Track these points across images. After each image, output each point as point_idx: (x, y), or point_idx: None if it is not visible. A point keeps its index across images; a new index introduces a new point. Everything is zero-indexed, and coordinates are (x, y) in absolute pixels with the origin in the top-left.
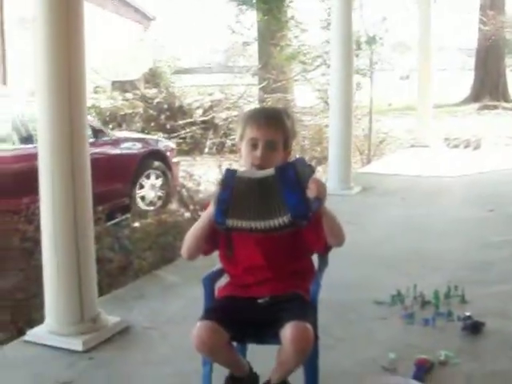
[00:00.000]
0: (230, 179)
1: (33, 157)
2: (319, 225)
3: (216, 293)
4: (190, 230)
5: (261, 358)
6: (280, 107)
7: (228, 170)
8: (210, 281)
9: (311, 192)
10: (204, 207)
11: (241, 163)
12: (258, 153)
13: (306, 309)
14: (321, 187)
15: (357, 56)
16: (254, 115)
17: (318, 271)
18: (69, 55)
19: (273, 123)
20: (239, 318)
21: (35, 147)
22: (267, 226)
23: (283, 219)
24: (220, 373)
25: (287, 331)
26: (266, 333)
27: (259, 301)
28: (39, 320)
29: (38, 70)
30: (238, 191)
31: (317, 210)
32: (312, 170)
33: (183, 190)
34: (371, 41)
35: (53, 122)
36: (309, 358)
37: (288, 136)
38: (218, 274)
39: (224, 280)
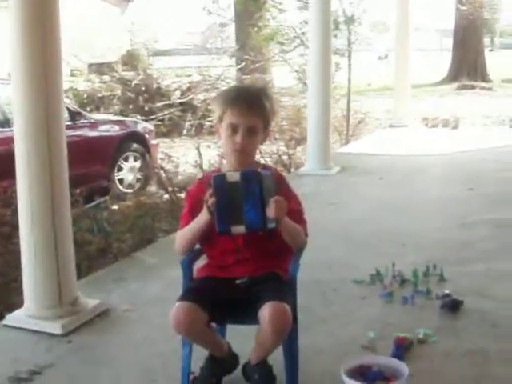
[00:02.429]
0: (221, 186)
1: (10, 140)
2: None
3: (194, 274)
4: (184, 232)
5: (240, 338)
6: (259, 86)
7: (217, 177)
8: (188, 262)
9: (270, 212)
10: (185, 195)
11: (219, 144)
12: (239, 138)
13: (284, 289)
14: (281, 209)
15: (335, 36)
16: (234, 99)
17: (297, 252)
18: (44, 37)
19: (254, 109)
20: (218, 299)
21: (11, 130)
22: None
23: (239, 228)
24: (200, 353)
25: (265, 312)
26: (245, 313)
27: (237, 281)
28: (18, 304)
29: (14, 52)
30: (230, 197)
31: (273, 229)
32: (276, 188)
33: (162, 173)
34: (349, 21)
35: (29, 105)
36: (288, 339)
37: (268, 118)
38: (196, 255)
39: (202, 261)
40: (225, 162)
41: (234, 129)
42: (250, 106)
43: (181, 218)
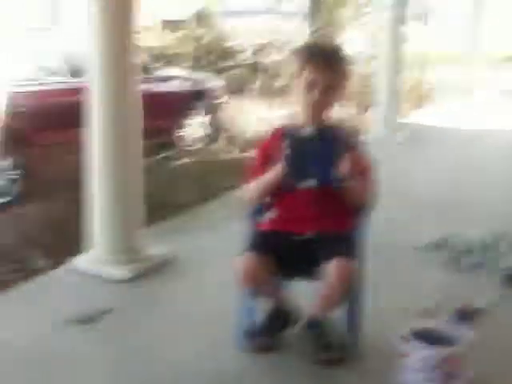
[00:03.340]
0: (294, 140)
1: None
2: None
3: (260, 227)
4: (257, 183)
5: (302, 294)
6: (336, 46)
7: (292, 130)
8: (253, 214)
9: (343, 168)
10: (255, 147)
11: (293, 99)
12: (316, 94)
13: (351, 247)
14: (351, 168)
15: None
16: (314, 55)
17: (365, 210)
18: None
19: (333, 67)
20: (284, 253)
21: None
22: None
23: (310, 182)
24: (262, 306)
25: (332, 267)
26: (310, 268)
27: (304, 236)
28: (85, 250)
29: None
30: (303, 151)
31: (343, 185)
32: (349, 146)
33: (231, 129)
34: None
35: (105, 54)
36: (351, 297)
37: (345, 78)
38: (261, 209)
39: (269, 215)
40: (298, 117)
41: (312, 85)
42: (330, 63)
43: (251, 170)
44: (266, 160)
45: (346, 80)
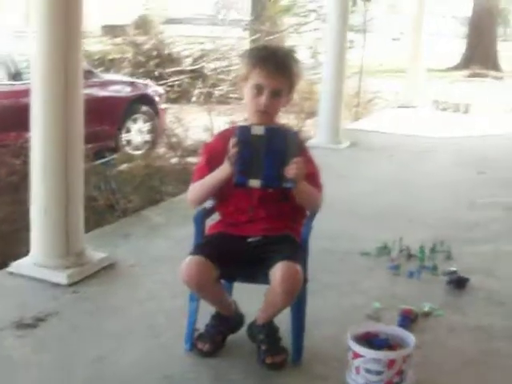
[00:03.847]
0: (245, 137)
1: (21, 93)
2: None
3: (206, 230)
4: (201, 183)
5: (246, 298)
6: (287, 49)
7: (242, 128)
8: (201, 217)
9: (290, 171)
10: (200, 152)
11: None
12: (263, 100)
13: (296, 250)
14: (300, 170)
15: (352, 12)
16: (262, 59)
17: (310, 215)
18: None
19: (281, 71)
20: (229, 256)
21: (24, 84)
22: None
23: (256, 182)
24: (205, 311)
25: (277, 271)
26: (256, 272)
27: (250, 239)
28: (23, 254)
29: (37, 7)
30: (253, 149)
31: (288, 188)
32: (299, 149)
33: (171, 136)
34: None
35: (48, 57)
36: (297, 301)
37: (294, 81)
38: (209, 212)
39: (214, 219)
40: (246, 121)
41: (259, 89)
42: (278, 68)
43: (196, 170)
44: (210, 161)
45: (294, 84)
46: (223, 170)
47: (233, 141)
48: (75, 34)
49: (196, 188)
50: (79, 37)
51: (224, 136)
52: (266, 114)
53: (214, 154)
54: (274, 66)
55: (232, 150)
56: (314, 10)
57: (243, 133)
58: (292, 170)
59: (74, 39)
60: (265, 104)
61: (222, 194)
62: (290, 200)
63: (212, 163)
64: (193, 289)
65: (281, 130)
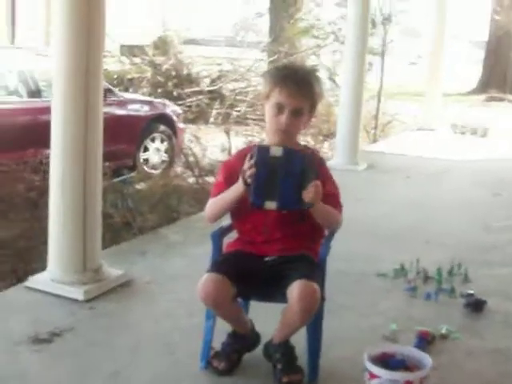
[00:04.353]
0: (263, 158)
1: (40, 110)
2: None
3: (224, 248)
4: (217, 200)
5: (262, 317)
6: (309, 68)
7: (261, 149)
8: (218, 235)
9: (307, 195)
10: (218, 173)
11: (255, 128)
12: (284, 119)
13: (314, 269)
14: (317, 194)
15: (371, 35)
16: (284, 78)
17: (328, 234)
18: (88, 8)
19: (302, 91)
20: (246, 274)
21: (43, 101)
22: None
23: (272, 204)
24: (222, 329)
25: (294, 289)
26: (273, 291)
27: (267, 258)
28: (40, 270)
29: (58, 25)
30: (270, 171)
31: (304, 210)
32: (316, 174)
33: (189, 155)
34: (387, 20)
35: (69, 76)
36: (314, 320)
37: (315, 101)
38: (226, 230)
39: (232, 237)
40: (266, 139)
41: (280, 108)
42: (299, 87)
43: (214, 186)
44: (228, 178)
45: (315, 103)
46: (237, 188)
47: (250, 161)
48: (97, 53)
49: (212, 205)
50: (100, 56)
51: (243, 155)
52: (287, 133)
53: (232, 172)
54: (295, 85)
55: (249, 170)
56: (332, 32)
57: (261, 153)
58: (309, 193)
59: (96, 58)
60: (285, 123)
61: (240, 212)
62: (307, 220)
63: (230, 181)
64: (209, 306)
65: (299, 152)
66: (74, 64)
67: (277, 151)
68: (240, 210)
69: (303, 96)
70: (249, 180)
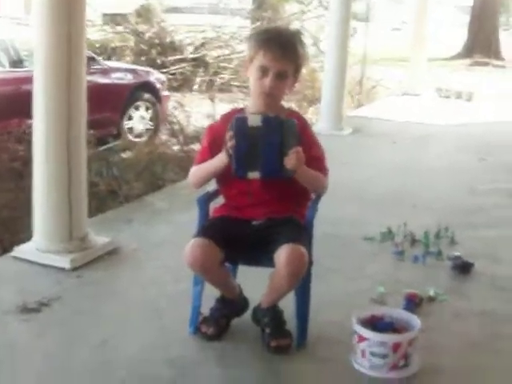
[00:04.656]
0: (242, 129)
1: (22, 80)
2: None
3: (211, 213)
4: (200, 169)
5: (250, 282)
6: (293, 30)
7: (238, 120)
8: (204, 201)
9: (289, 162)
10: (203, 134)
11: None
12: (268, 82)
13: (301, 232)
14: (299, 160)
15: (354, 1)
16: (268, 41)
17: (315, 197)
18: None
19: (287, 53)
20: (233, 238)
21: (26, 71)
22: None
23: (255, 174)
24: (210, 294)
25: (282, 253)
26: (260, 255)
27: (254, 222)
28: (26, 240)
29: None
30: (250, 141)
31: (289, 177)
32: (297, 140)
33: (174, 123)
34: None
35: (51, 42)
36: (302, 284)
37: (300, 64)
38: (212, 195)
39: (218, 202)
40: (251, 102)
41: (264, 71)
42: (283, 50)
43: (198, 152)
44: (213, 143)
45: (300, 66)
46: (220, 160)
47: (229, 133)
48: (79, 21)
49: (196, 172)
50: (83, 24)
51: (228, 118)
52: (271, 96)
53: (216, 137)
54: (280, 47)
55: (229, 142)
56: None
57: (240, 124)
58: (291, 160)
59: (78, 26)
60: (270, 86)
61: (225, 178)
62: (292, 183)
63: (214, 146)
64: (197, 271)
65: (278, 119)
66: (55, 32)
67: (255, 121)
68: (225, 177)
69: (287, 59)
70: (230, 151)
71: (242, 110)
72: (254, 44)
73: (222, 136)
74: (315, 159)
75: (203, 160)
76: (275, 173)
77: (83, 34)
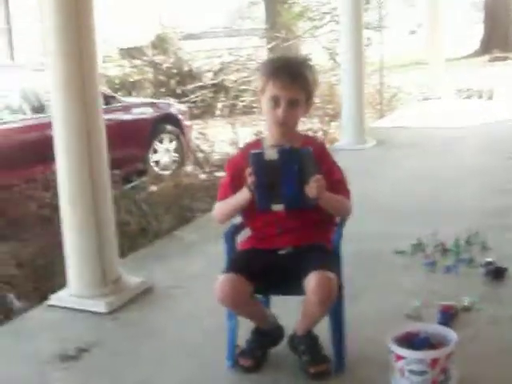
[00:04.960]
0: (260, 164)
1: (45, 126)
2: None
3: (238, 246)
4: (224, 205)
5: (285, 310)
6: (302, 58)
7: (255, 156)
8: (231, 234)
9: (311, 191)
10: (224, 168)
11: (263, 114)
12: (281, 112)
13: (329, 258)
14: (320, 188)
15: (366, 11)
16: (276, 71)
17: (340, 221)
18: (79, 23)
19: (296, 81)
20: (262, 270)
21: (47, 116)
22: None
23: (279, 207)
24: (245, 326)
25: (311, 281)
26: (290, 284)
27: (281, 251)
28: (62, 286)
29: (49, 38)
30: (270, 175)
31: (312, 205)
32: (316, 167)
33: (198, 152)
34: None
35: (66, 90)
36: (334, 308)
37: (311, 90)
38: (238, 228)
39: (245, 234)
40: (267, 133)
41: (275, 101)
42: (293, 78)
43: (221, 186)
44: (234, 176)
45: (311, 93)
46: (243, 195)
47: (248, 169)
48: (90, 62)
49: (220, 208)
50: (95, 64)
51: (247, 151)
52: (285, 125)
53: (237, 170)
54: (288, 76)
55: (249, 178)
56: (327, 13)
57: (257, 160)
58: (312, 188)
59: (90, 67)
60: (283, 116)
61: (249, 211)
62: (317, 209)
63: (235, 180)
64: (228, 306)
65: (294, 150)
66: (68, 77)
67: (272, 155)
68: (249, 210)
69: (297, 86)
70: (251, 187)
71: (259, 142)
72: (263, 75)
73: (242, 169)
74: (336, 182)
75: (226, 195)
76: (298, 203)
77: (96, 74)
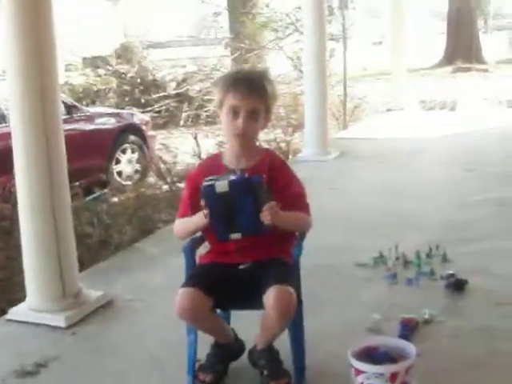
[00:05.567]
0: (212, 198)
1: (7, 136)
2: None
3: (197, 260)
4: (183, 224)
5: (245, 324)
6: (260, 70)
7: (206, 189)
8: (190, 249)
9: (266, 218)
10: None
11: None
12: (240, 123)
13: (288, 272)
14: (274, 214)
15: (329, 22)
16: (235, 82)
17: (300, 235)
18: (38, 32)
19: (255, 92)
20: (221, 285)
21: (7, 126)
22: None
23: (236, 235)
24: (206, 341)
25: (270, 295)
26: (249, 298)
27: (241, 266)
28: (22, 299)
29: (9, 47)
30: (223, 207)
31: (269, 230)
32: (268, 194)
33: (160, 163)
34: (343, 6)
35: (25, 100)
36: (293, 322)
37: (270, 102)
38: (197, 242)
39: (205, 248)
40: (226, 145)
41: (234, 112)
42: (251, 88)
43: (181, 201)
44: (193, 193)
45: (270, 105)
46: (199, 221)
47: (202, 202)
48: (50, 70)
49: (180, 226)
50: (55, 73)
51: (206, 165)
52: (245, 136)
53: (195, 185)
54: (247, 86)
55: (204, 210)
56: (291, 23)
57: (209, 194)
58: (266, 216)
59: (50, 76)
60: (242, 127)
61: (207, 228)
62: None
63: (194, 196)
64: (187, 321)
65: (244, 181)
66: (27, 86)
67: (223, 187)
68: (208, 227)
69: (256, 96)
70: (207, 219)
71: (217, 156)
72: (222, 88)
73: (200, 184)
74: (296, 197)
75: (185, 213)
76: (255, 230)
77: (56, 84)
